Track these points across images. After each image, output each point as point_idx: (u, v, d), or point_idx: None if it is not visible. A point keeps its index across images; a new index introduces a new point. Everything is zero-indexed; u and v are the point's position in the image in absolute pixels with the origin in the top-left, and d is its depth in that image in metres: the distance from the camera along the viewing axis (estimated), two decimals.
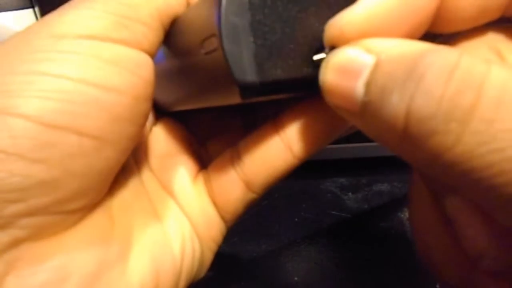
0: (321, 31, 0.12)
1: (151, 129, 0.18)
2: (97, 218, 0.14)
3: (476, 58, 0.09)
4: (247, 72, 0.11)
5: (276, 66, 0.12)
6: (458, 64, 0.09)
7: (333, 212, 0.33)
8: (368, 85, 0.10)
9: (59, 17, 0.13)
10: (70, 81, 0.12)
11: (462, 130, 0.09)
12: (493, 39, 0.12)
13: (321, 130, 0.15)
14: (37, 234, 0.12)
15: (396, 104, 0.09)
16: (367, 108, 0.11)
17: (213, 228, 0.17)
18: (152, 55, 0.14)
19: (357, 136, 0.38)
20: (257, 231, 0.32)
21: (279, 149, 0.15)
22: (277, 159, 0.15)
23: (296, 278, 0.27)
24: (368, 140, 0.37)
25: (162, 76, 0.15)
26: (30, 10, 0.42)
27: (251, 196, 0.17)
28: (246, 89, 0.12)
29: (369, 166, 0.37)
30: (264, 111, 0.16)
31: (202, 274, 0.18)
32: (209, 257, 0.18)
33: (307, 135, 0.15)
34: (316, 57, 0.12)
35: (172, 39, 0.15)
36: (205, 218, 0.17)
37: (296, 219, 0.32)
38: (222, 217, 0.17)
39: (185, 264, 0.16)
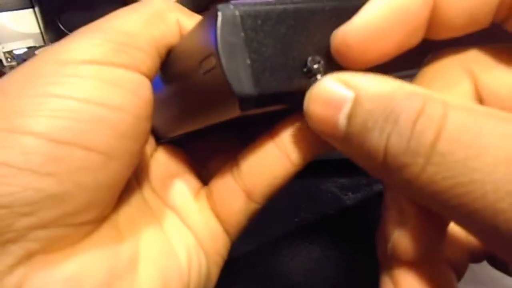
0: (307, 45, 0.14)
1: (152, 155, 0.19)
2: (105, 232, 0.15)
3: (437, 102, 0.11)
4: (245, 85, 0.12)
5: (270, 79, 0.13)
6: (423, 110, 0.11)
7: (333, 212, 0.33)
8: (349, 117, 0.12)
9: (64, 46, 0.14)
10: (75, 101, 0.13)
11: (425, 163, 0.11)
12: (467, 59, 0.14)
13: (316, 136, 0.15)
14: (49, 247, 0.13)
15: (376, 141, 0.12)
16: (349, 137, 0.12)
17: (217, 242, 0.18)
18: (150, 79, 0.15)
19: None
20: (257, 231, 0.32)
21: (277, 157, 0.16)
22: (276, 167, 0.16)
23: (296, 278, 0.27)
24: None
25: (160, 104, 0.16)
26: (30, 10, 0.42)
27: (253, 206, 0.17)
28: (244, 101, 0.13)
29: None
30: (260, 129, 0.17)
31: None
32: (215, 271, 0.18)
33: (303, 141, 0.16)
34: (305, 69, 0.14)
35: (169, 67, 0.16)
36: (209, 232, 0.18)
37: (296, 219, 0.32)
38: (226, 231, 0.18)
39: (192, 278, 0.17)
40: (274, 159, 0.16)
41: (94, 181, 0.13)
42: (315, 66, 0.14)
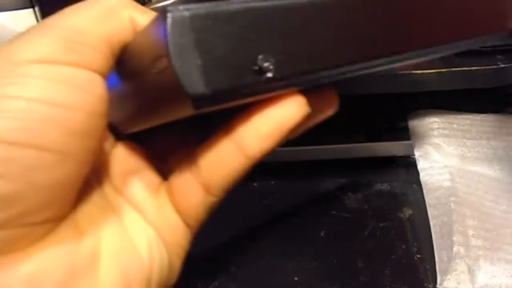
0: (258, 43, 0.14)
1: (110, 151, 0.19)
2: (64, 231, 0.15)
3: None
4: (197, 85, 0.13)
5: (222, 78, 0.13)
6: None
7: (333, 212, 0.33)
8: None
9: (15, 46, 0.14)
10: (24, 101, 0.13)
11: None
12: None
13: (268, 130, 0.16)
14: (6, 248, 0.13)
15: None
16: None
17: (178, 235, 0.18)
18: (104, 76, 0.15)
19: (357, 136, 0.38)
20: (256, 231, 0.32)
21: (232, 151, 0.16)
22: (231, 161, 0.16)
23: (296, 278, 0.27)
24: (368, 140, 0.37)
25: (118, 100, 0.16)
26: (30, 10, 0.42)
27: (211, 199, 0.17)
28: (197, 100, 0.13)
29: (369, 166, 0.37)
30: (218, 123, 0.17)
31: (173, 280, 0.19)
32: (177, 263, 0.19)
33: (256, 135, 0.16)
34: (254, 67, 0.14)
35: (124, 64, 0.16)
36: (169, 226, 0.18)
37: (296, 219, 0.32)
38: (187, 223, 0.18)
39: (154, 270, 0.17)
40: (230, 154, 0.16)
41: (48, 180, 0.13)
42: (265, 64, 0.14)
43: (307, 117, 0.16)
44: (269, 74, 0.14)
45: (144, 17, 0.16)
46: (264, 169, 0.37)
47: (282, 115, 0.15)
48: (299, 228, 0.32)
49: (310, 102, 0.15)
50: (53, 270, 0.14)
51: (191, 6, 0.13)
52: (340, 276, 0.27)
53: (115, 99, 0.16)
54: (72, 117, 0.14)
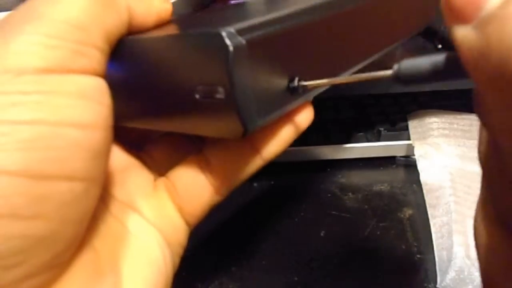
0: (294, 62, 0.14)
1: None
2: (84, 257, 0.14)
3: None
4: (252, 117, 0.12)
5: (271, 104, 0.14)
6: None
7: (333, 212, 0.33)
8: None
9: (7, 46, 0.11)
10: (46, 125, 0.11)
11: None
12: None
13: (286, 136, 0.16)
14: None
15: None
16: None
17: (179, 234, 0.18)
18: (104, 78, 0.13)
19: (357, 136, 0.38)
20: (256, 231, 0.32)
21: (249, 153, 0.16)
22: (247, 163, 0.16)
23: (296, 278, 0.27)
24: (368, 140, 0.37)
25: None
26: None
27: (218, 199, 0.17)
28: (248, 130, 0.13)
29: (369, 166, 0.37)
30: None
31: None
32: (177, 262, 0.18)
33: (275, 140, 0.16)
34: (291, 85, 0.14)
35: (128, 61, 0.14)
36: (171, 225, 0.17)
37: (296, 219, 0.32)
38: (187, 222, 0.18)
39: (169, 275, 0.17)
40: (247, 158, 0.16)
41: (80, 212, 0.12)
42: (300, 84, 0.14)
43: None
44: (301, 92, 0.15)
45: (141, 4, 0.14)
46: (264, 169, 0.37)
47: (299, 123, 0.16)
48: (299, 228, 0.32)
49: None
50: None
51: (241, 28, 0.11)
52: (340, 276, 0.27)
53: None
54: (92, 137, 0.12)
